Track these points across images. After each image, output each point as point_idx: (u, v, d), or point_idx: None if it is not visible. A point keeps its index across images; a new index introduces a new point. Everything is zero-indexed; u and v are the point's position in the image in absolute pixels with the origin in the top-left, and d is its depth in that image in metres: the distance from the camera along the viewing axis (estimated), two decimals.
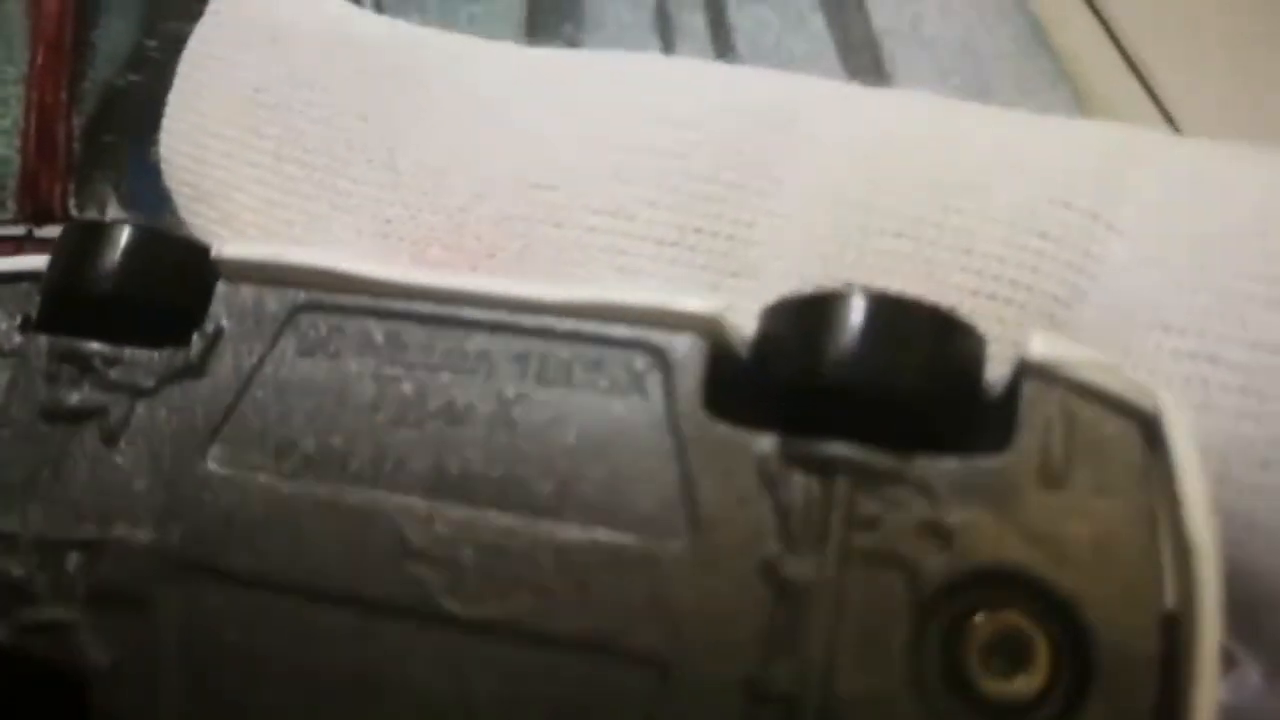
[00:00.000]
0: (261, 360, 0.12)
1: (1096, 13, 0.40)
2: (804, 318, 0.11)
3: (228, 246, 0.13)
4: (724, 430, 0.11)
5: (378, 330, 0.12)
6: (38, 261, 0.14)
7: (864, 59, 0.41)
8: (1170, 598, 0.10)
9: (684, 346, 0.11)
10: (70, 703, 0.12)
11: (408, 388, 0.12)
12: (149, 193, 0.48)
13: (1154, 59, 0.39)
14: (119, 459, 0.12)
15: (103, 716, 0.12)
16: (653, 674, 0.11)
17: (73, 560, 0.12)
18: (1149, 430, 0.10)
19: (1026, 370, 0.11)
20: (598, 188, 0.14)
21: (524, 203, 0.14)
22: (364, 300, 0.12)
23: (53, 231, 0.47)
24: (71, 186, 0.45)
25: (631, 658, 0.11)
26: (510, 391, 0.12)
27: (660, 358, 0.11)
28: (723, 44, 0.42)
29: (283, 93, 0.16)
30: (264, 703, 0.11)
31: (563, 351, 0.12)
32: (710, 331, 0.11)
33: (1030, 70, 0.39)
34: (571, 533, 0.11)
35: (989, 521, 0.10)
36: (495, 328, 0.12)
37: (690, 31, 0.43)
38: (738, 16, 0.44)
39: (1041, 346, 0.11)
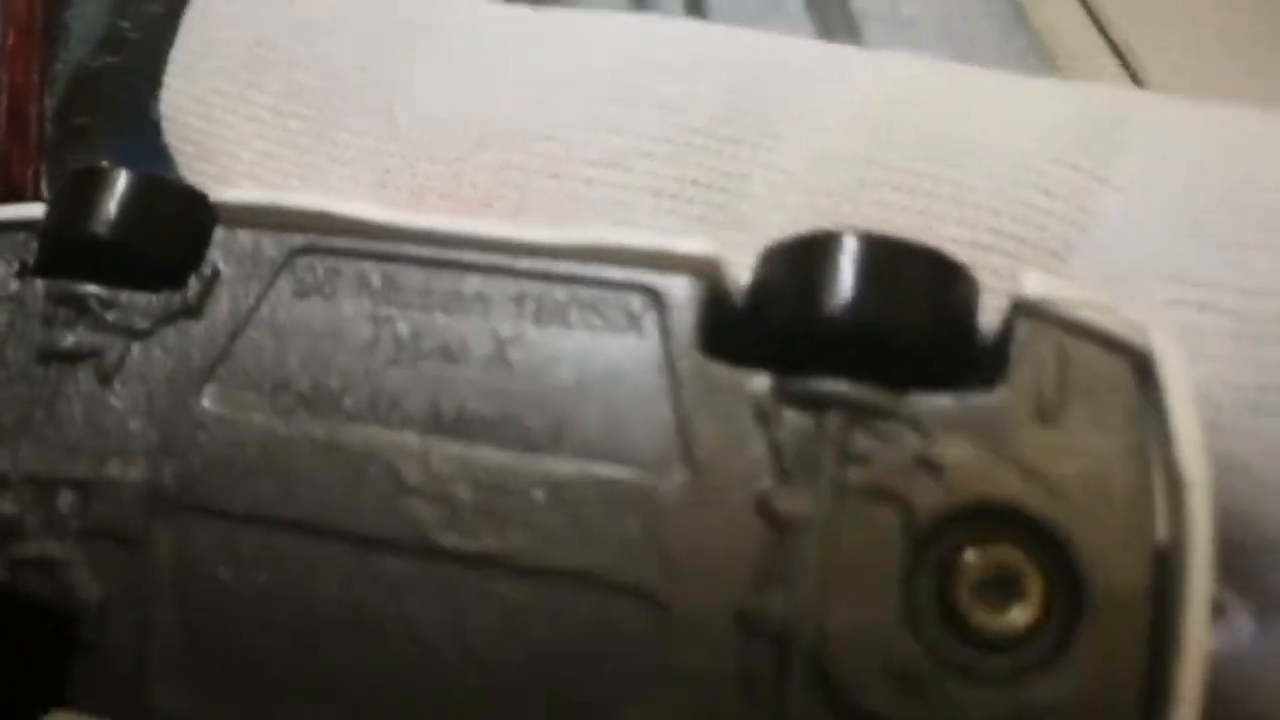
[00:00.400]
0: (258, 302, 0.12)
1: None
2: (798, 260, 0.11)
3: (227, 192, 0.13)
4: (719, 369, 0.11)
5: (374, 272, 0.12)
6: (35, 210, 0.14)
7: (843, 42, 0.41)
8: (1163, 533, 0.10)
9: (680, 287, 0.11)
10: (60, 639, 0.12)
11: (403, 328, 0.12)
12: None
13: (1134, 36, 0.39)
14: (113, 399, 0.12)
15: (93, 652, 0.11)
16: (647, 607, 0.11)
17: (65, 498, 0.12)
18: (1142, 367, 0.10)
19: (1020, 308, 0.11)
20: (595, 139, 0.14)
21: (521, 153, 0.14)
22: (361, 243, 0.12)
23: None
24: (44, 168, 0.45)
25: (626, 591, 0.11)
26: (506, 332, 0.12)
27: (656, 298, 0.11)
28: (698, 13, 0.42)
29: (285, 45, 0.15)
30: (257, 640, 0.11)
31: (559, 293, 0.12)
32: (707, 274, 0.12)
33: (1010, 52, 0.39)
34: (567, 469, 0.11)
35: (982, 457, 0.10)
36: (491, 270, 0.12)
37: (668, 11, 0.43)
38: None
39: (1035, 285, 0.11)
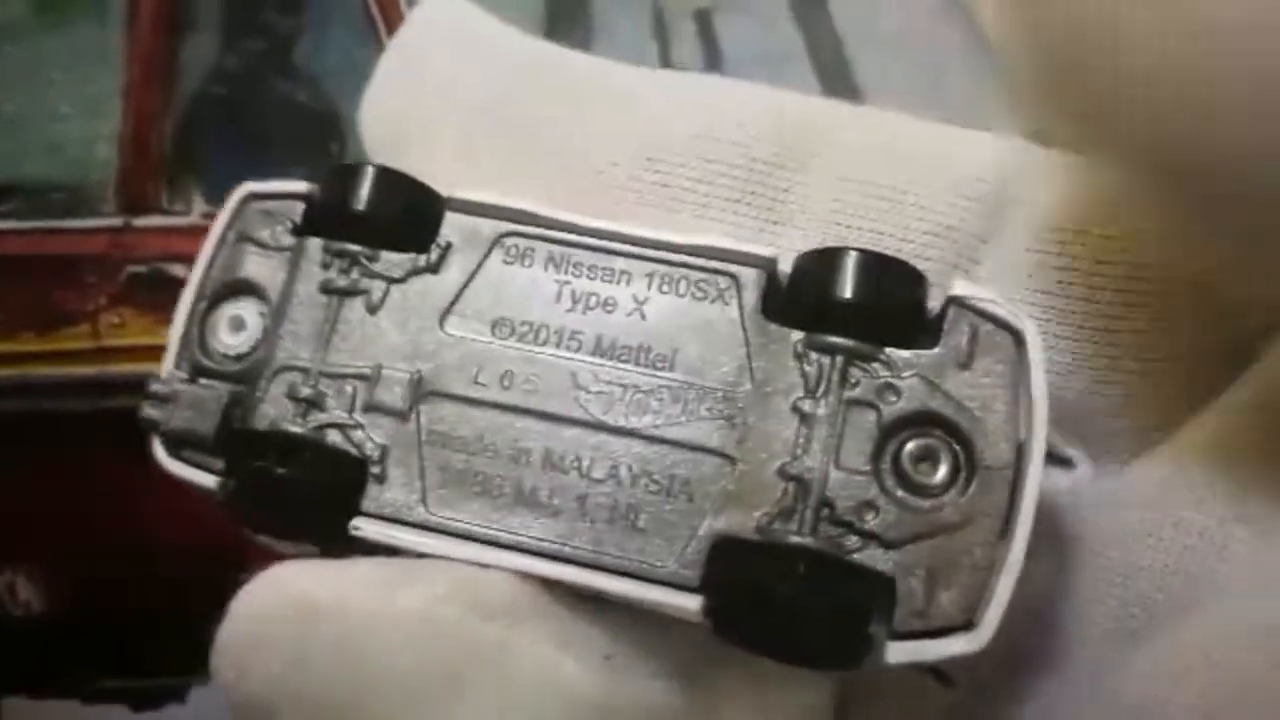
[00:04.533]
0: (479, 266, 0.19)
1: None
2: (821, 264, 0.18)
3: (457, 190, 0.19)
4: (773, 328, 0.18)
5: (557, 251, 0.19)
6: (295, 186, 0.19)
7: (829, 55, 0.48)
8: (1023, 433, 0.17)
9: (750, 275, 0.18)
10: (351, 474, 0.18)
11: (577, 288, 0.18)
12: (229, 187, 0.55)
13: None
14: (381, 323, 0.18)
15: (380, 481, 0.18)
16: (724, 463, 0.17)
17: (351, 385, 0.18)
18: (1018, 338, 0.17)
19: (951, 300, 0.17)
20: (692, 162, 0.20)
21: (641, 170, 0.20)
22: (548, 232, 0.19)
23: (147, 221, 0.54)
24: (163, 183, 0.52)
25: (708, 452, 0.17)
26: (641, 296, 0.18)
27: (736, 281, 0.18)
28: (710, 45, 0.50)
29: (465, 93, 0.21)
30: (484, 468, 0.18)
31: (675, 273, 0.18)
32: (766, 266, 0.18)
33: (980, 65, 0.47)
34: (677, 379, 0.18)
35: (925, 387, 0.17)
36: (632, 255, 0.18)
37: (683, 35, 0.51)
38: (721, 23, 0.52)
39: (960, 288, 0.18)
